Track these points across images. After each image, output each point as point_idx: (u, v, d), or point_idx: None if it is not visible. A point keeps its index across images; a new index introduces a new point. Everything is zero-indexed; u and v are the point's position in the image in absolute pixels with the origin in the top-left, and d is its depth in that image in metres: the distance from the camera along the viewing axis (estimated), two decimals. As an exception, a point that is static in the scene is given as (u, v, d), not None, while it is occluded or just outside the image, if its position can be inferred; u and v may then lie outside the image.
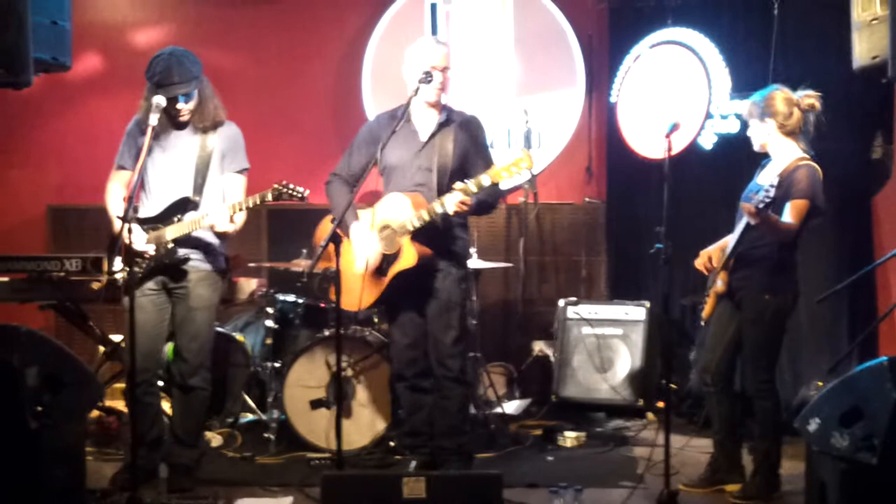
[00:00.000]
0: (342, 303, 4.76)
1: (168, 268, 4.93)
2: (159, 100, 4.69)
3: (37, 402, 3.80)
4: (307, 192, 4.81)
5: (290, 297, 6.17)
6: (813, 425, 3.73)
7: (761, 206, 4.44)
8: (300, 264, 6.08)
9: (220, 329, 6.30)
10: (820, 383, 5.66)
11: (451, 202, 4.68)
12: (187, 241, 4.93)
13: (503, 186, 4.91)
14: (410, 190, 4.94)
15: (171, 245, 4.89)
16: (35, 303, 5.84)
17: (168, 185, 4.96)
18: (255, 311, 6.66)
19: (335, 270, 4.41)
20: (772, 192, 4.44)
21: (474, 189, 4.66)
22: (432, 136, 5.00)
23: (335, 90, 7.54)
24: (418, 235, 4.85)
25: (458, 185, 4.69)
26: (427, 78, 4.80)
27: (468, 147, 5.02)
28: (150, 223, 4.94)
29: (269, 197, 4.79)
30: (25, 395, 3.77)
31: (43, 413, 3.80)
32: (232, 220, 4.90)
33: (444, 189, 4.87)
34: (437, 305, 5.01)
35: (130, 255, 4.61)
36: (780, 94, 4.87)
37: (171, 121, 4.96)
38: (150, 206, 4.99)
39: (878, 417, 3.46)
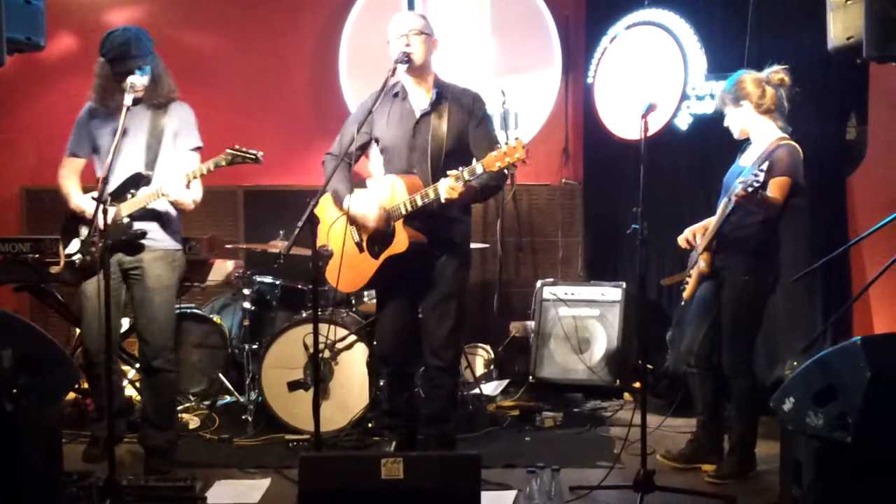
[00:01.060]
0: (334, 283, 4.79)
1: (124, 244, 4.92)
2: (134, 80, 4.72)
3: (12, 385, 3.77)
4: (261, 154, 4.89)
5: (268, 279, 6.16)
6: (788, 404, 3.76)
7: (750, 189, 4.46)
8: (277, 245, 6.06)
9: (196, 311, 6.32)
10: (794, 363, 5.70)
11: (444, 188, 4.56)
12: (143, 216, 4.95)
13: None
14: (406, 171, 4.84)
15: (126, 220, 4.89)
16: (9, 285, 5.81)
17: (121, 162, 4.96)
18: (232, 292, 6.65)
19: (326, 248, 4.41)
20: (761, 177, 4.46)
21: (467, 176, 4.53)
22: (425, 114, 4.87)
23: (312, 73, 7.51)
24: (415, 220, 4.76)
25: (451, 171, 4.57)
26: (404, 58, 4.75)
27: (465, 124, 4.88)
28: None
29: (223, 162, 4.87)
30: (1, 377, 3.74)
31: (19, 395, 3.78)
32: (188, 186, 4.91)
33: (438, 170, 4.76)
34: (435, 295, 4.91)
35: (101, 234, 4.59)
36: (748, 77, 4.92)
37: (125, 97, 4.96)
38: (109, 184, 5.00)
39: (852, 396, 3.48)
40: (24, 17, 4.22)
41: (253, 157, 4.91)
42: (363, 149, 5.01)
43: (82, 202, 5.03)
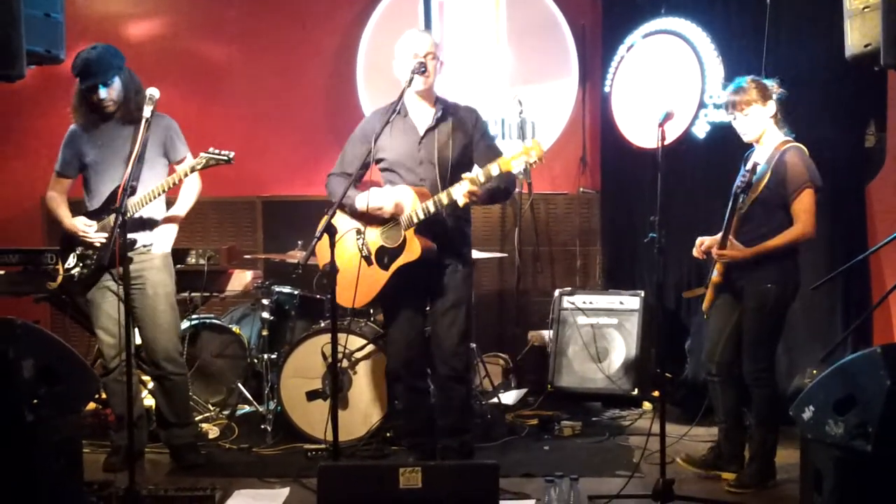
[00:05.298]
0: (342, 299, 4.76)
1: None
2: (153, 91, 4.80)
3: (33, 395, 3.79)
4: (232, 154, 5.03)
5: (286, 289, 6.18)
6: (807, 413, 3.74)
7: (738, 190, 4.48)
8: (295, 256, 6.08)
9: (216, 321, 6.33)
10: (814, 371, 5.66)
11: (460, 192, 4.56)
12: (136, 225, 5.09)
13: (514, 171, 4.64)
14: (414, 185, 4.81)
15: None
16: (30, 295, 5.85)
17: (107, 177, 5.12)
18: (250, 302, 6.68)
19: (332, 263, 4.39)
20: (747, 177, 4.53)
21: (482, 179, 4.54)
22: (430, 129, 4.88)
23: (329, 83, 7.54)
24: (425, 228, 4.74)
25: (466, 175, 4.58)
26: (421, 68, 4.74)
27: (468, 137, 4.91)
28: (95, 215, 5.11)
29: (200, 166, 5.04)
30: (21, 387, 3.76)
31: (39, 405, 3.80)
32: (173, 185, 5.12)
33: (446, 183, 4.76)
34: (444, 303, 4.89)
35: (123, 250, 4.64)
36: (759, 80, 4.93)
37: (98, 113, 5.12)
38: (92, 200, 5.18)
39: (872, 405, 3.46)
40: (44, 30, 4.23)
41: (226, 158, 5.04)
42: (365, 168, 4.97)
43: (76, 224, 5.13)
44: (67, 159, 5.23)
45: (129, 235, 5.02)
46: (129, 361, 4.55)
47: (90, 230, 5.07)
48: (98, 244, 5.05)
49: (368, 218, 4.84)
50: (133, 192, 5.02)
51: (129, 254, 5.02)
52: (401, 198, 4.74)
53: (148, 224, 5.19)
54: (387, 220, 4.80)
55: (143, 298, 5.15)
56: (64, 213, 5.20)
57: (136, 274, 5.08)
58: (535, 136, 7.20)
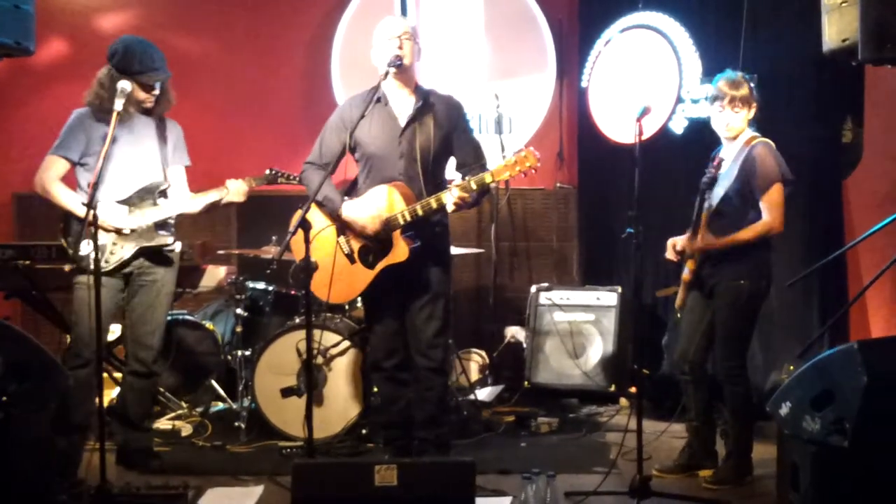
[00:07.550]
0: (328, 295, 4.74)
1: (151, 251, 4.97)
2: (124, 85, 4.71)
3: (2, 392, 3.75)
4: (295, 175, 5.22)
5: (260, 285, 6.14)
6: (784, 409, 3.74)
7: (704, 186, 4.66)
8: (270, 251, 6.04)
9: (189, 317, 6.28)
10: (791, 367, 5.68)
11: (451, 199, 4.55)
12: (162, 224, 5.01)
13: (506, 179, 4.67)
14: (392, 178, 4.78)
15: (151, 226, 4.94)
16: (0, 291, 5.77)
17: (135, 168, 4.98)
18: (224, 298, 6.62)
19: (307, 259, 4.36)
20: (711, 172, 4.64)
21: (475, 187, 4.53)
22: (411, 122, 4.83)
23: (304, 75, 7.49)
24: (408, 228, 4.71)
25: (459, 182, 4.58)
26: (397, 61, 4.71)
27: (449, 129, 4.87)
28: (125, 204, 4.95)
29: (264, 181, 5.29)
30: (-10, 385, 3.72)
31: (8, 403, 3.75)
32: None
33: (427, 176, 4.74)
34: (422, 296, 4.87)
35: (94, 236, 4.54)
36: (749, 82, 4.93)
37: (136, 106, 4.97)
38: (119, 189, 4.95)
39: (849, 401, 3.46)
40: (14, 22, 4.17)
41: (295, 180, 5.28)
42: (341, 156, 4.93)
43: (103, 212, 4.81)
44: (75, 142, 4.93)
45: (162, 234, 5.02)
46: (100, 355, 4.50)
47: (115, 216, 4.86)
48: (128, 231, 4.88)
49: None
50: (165, 193, 5.03)
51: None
52: (383, 204, 4.72)
53: (166, 223, 5.08)
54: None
55: (148, 294, 5.03)
56: (67, 198, 4.91)
57: (149, 270, 5.02)
58: (510, 132, 7.17)
